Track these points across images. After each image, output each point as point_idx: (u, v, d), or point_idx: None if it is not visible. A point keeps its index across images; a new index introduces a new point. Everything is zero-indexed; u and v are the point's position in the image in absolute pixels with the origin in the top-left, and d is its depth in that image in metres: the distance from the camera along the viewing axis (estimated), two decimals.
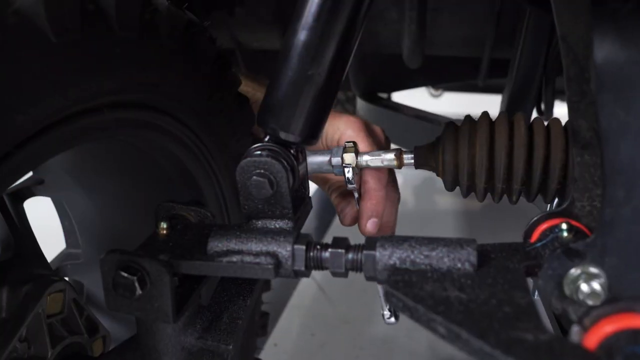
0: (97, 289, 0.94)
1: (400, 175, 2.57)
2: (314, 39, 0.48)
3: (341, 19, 0.48)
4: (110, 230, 0.92)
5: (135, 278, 0.48)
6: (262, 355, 1.01)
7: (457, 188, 0.68)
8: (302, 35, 0.48)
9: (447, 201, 2.33)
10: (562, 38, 0.49)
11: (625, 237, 0.43)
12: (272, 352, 1.38)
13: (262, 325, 1.01)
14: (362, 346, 1.40)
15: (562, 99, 1.89)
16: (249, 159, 0.52)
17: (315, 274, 1.78)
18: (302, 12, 0.48)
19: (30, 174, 0.86)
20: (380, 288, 0.60)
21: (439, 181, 0.67)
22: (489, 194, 0.66)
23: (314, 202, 0.63)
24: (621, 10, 0.40)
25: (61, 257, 0.97)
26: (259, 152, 0.52)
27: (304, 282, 1.70)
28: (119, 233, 0.91)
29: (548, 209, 0.67)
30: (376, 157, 0.68)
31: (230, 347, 0.56)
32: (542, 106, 1.27)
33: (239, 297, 0.59)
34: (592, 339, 0.34)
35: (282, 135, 0.52)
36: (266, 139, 0.54)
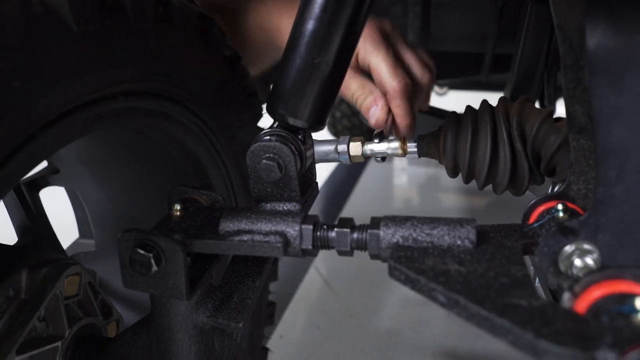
0: (109, 278, 0.97)
1: (405, 175, 2.60)
2: (321, 28, 0.51)
3: (347, 9, 0.50)
4: (122, 220, 0.94)
5: (151, 255, 0.50)
6: (268, 347, 1.04)
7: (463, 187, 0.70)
8: (309, 24, 0.51)
9: (452, 200, 2.34)
10: (558, 27, 0.51)
11: (618, 215, 0.45)
12: (279, 343, 1.40)
13: (269, 314, 1.03)
14: (367, 339, 1.43)
15: None
16: (259, 143, 0.54)
17: (321, 268, 1.81)
18: (309, 2, 0.50)
19: (46, 164, 0.89)
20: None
21: (444, 180, 0.69)
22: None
23: (317, 202, 0.65)
24: None
25: (74, 246, 1.00)
26: (268, 137, 0.54)
27: (309, 276, 1.72)
28: (131, 222, 0.93)
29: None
30: (381, 145, 0.70)
31: (240, 325, 0.58)
32: (545, 102, 1.28)
33: (249, 278, 0.62)
34: (582, 304, 0.36)
35: (290, 121, 0.55)
36: (275, 125, 0.56)
